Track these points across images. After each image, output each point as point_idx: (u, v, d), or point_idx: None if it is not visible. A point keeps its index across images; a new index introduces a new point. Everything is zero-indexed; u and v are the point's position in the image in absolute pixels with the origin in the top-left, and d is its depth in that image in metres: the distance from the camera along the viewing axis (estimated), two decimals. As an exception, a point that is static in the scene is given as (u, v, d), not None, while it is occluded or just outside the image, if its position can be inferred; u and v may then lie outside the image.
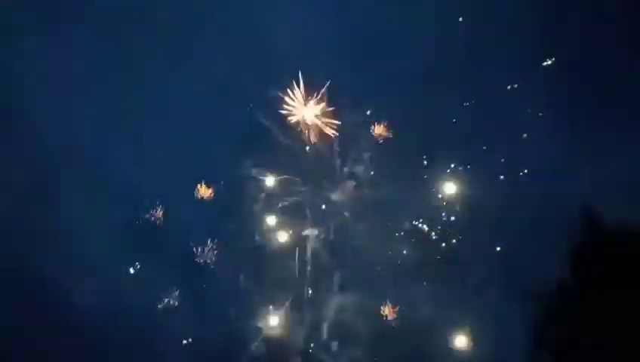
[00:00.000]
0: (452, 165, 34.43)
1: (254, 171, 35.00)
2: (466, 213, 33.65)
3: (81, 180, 33.77)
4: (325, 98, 33.85)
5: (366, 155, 35.05)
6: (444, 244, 34.24)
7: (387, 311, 34.13)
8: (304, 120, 34.28)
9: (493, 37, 32.81)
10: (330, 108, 33.94)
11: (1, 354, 31.65)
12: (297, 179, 35.22)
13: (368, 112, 34.78)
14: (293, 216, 35.41)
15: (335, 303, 34.64)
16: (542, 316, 27.20)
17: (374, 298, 34.23)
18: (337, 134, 34.40)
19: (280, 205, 35.40)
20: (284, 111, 34.16)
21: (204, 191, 34.97)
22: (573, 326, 26.32)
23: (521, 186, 32.50)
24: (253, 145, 34.77)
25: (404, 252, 34.48)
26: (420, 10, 33.15)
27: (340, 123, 34.22)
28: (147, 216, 34.79)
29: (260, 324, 34.51)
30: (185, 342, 34.06)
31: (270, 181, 35.26)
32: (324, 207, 35.50)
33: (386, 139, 34.77)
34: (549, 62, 33.36)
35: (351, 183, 35.27)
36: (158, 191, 34.64)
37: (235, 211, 35.21)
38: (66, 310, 32.56)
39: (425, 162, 34.61)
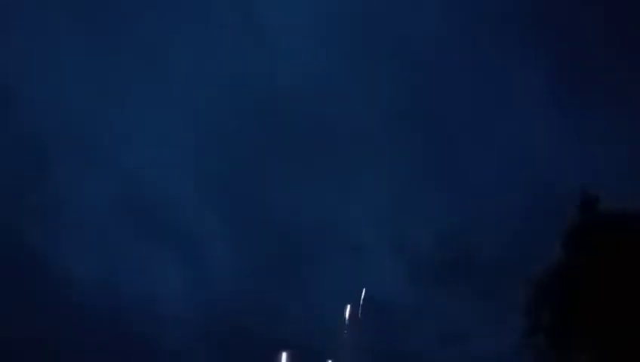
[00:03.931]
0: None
1: None
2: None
3: (81, 158, 33.70)
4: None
5: None
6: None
7: None
8: None
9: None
10: None
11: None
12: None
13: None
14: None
15: None
16: (537, 300, 27.23)
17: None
18: None
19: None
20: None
21: None
22: (569, 309, 26.35)
23: (518, 170, 32.47)
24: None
25: None
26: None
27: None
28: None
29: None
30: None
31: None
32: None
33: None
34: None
35: None
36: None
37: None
38: (65, 287, 32.55)
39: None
